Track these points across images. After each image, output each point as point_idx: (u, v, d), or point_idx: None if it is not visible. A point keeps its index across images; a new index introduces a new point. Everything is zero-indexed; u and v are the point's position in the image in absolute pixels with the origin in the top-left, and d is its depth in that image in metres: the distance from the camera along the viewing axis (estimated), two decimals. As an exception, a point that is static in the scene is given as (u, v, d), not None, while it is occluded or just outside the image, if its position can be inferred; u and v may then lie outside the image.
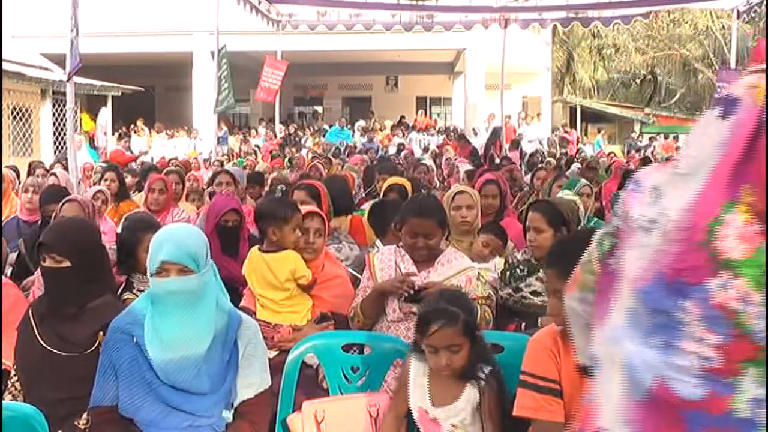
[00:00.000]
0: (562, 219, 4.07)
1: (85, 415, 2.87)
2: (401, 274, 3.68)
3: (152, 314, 2.79)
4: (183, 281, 2.74)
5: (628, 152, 22.75)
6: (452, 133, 22.24)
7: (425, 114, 27.75)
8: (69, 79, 7.89)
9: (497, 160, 12.43)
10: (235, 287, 4.32)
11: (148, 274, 2.82)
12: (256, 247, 4.35)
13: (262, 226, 4.22)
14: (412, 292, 3.55)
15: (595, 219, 6.72)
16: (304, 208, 4.30)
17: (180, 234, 2.87)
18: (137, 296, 3.46)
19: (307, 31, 17.05)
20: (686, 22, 32.68)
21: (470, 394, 2.84)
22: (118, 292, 3.73)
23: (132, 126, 23.46)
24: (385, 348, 3.13)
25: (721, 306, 1.39)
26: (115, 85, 21.79)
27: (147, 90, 25.38)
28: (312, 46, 21.48)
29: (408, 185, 6.47)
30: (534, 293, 3.99)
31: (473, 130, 21.66)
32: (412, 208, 3.91)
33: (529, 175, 10.00)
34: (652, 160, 16.14)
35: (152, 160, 16.73)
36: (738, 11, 15.58)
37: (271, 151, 17.09)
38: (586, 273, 1.86)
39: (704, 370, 1.41)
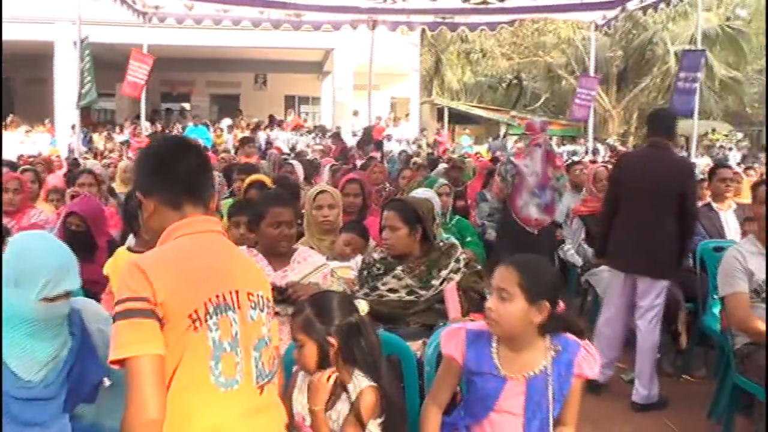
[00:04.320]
0: (416, 217, 4.10)
1: None
2: None
3: (25, 336, 2.55)
4: (69, 302, 2.64)
5: (492, 152, 23.39)
6: (320, 133, 22.27)
7: (294, 113, 27.61)
8: None
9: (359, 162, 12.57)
10: (94, 292, 4.18)
11: (32, 296, 2.52)
12: (124, 247, 4.26)
13: (135, 224, 4.14)
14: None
15: (458, 217, 6.91)
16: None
17: (71, 256, 2.66)
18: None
19: (174, 25, 16.74)
20: (550, 32, 33.89)
21: (342, 406, 2.82)
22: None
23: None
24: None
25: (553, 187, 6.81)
26: (-33, 76, 20.70)
27: (4, 81, 24.24)
28: (179, 40, 21.03)
29: (268, 181, 6.49)
30: (391, 290, 4.04)
31: (337, 128, 21.81)
32: (272, 199, 3.96)
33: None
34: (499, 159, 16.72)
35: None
36: (596, 24, 16.40)
37: (138, 149, 16.64)
38: (503, 184, 6.86)
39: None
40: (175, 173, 2.39)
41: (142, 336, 2.10)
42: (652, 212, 5.24)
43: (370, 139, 16.62)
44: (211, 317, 2.23)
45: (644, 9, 15.00)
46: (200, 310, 2.21)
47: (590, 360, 2.83)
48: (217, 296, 2.26)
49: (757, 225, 4.65)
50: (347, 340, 2.82)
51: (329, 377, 2.79)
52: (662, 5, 14.11)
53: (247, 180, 6.46)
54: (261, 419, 2.36)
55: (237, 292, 2.32)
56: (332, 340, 2.80)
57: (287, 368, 3.01)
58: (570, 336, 2.85)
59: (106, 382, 2.67)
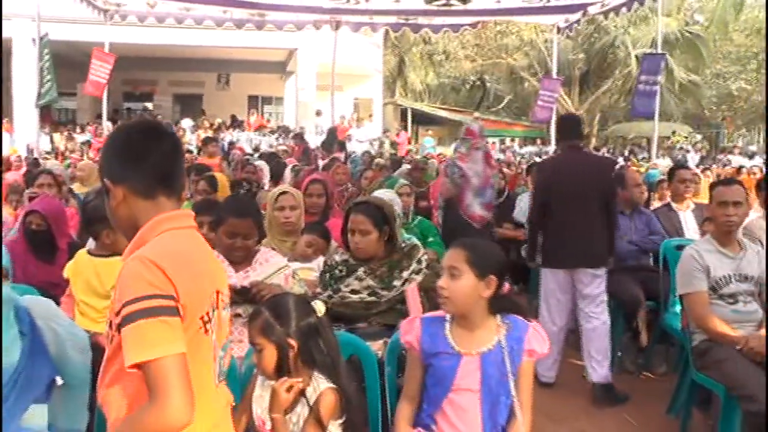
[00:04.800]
0: (384, 219, 4.12)
1: None
2: None
3: None
4: (6, 283, 2.56)
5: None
6: (283, 133, 22.20)
7: (257, 113, 27.47)
8: None
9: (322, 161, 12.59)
10: (53, 294, 4.10)
11: None
12: (85, 249, 4.20)
13: (95, 229, 4.07)
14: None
15: (420, 217, 6.93)
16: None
17: None
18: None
19: (136, 23, 16.60)
20: (512, 34, 34.09)
21: (301, 408, 2.80)
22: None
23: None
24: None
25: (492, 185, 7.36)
26: None
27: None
28: (141, 39, 20.84)
29: (221, 178, 6.49)
30: (353, 292, 4.04)
31: (301, 129, 21.79)
32: (231, 208, 3.92)
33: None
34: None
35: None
36: (558, 27, 16.56)
37: (99, 149, 16.42)
38: (451, 185, 7.07)
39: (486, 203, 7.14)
40: (148, 159, 2.17)
41: (175, 335, 1.96)
42: (583, 211, 5.64)
43: (334, 139, 16.63)
44: (212, 319, 2.17)
45: (605, 13, 15.19)
46: (209, 312, 2.15)
47: (539, 338, 2.98)
48: (210, 297, 2.19)
49: (713, 224, 4.75)
50: (306, 341, 2.80)
51: (290, 388, 2.76)
52: (623, 10, 14.30)
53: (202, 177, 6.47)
54: (227, 413, 2.36)
55: (218, 292, 2.24)
56: (292, 341, 2.78)
57: (248, 372, 3.00)
58: (518, 317, 3.01)
59: (59, 380, 2.63)
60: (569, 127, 6.18)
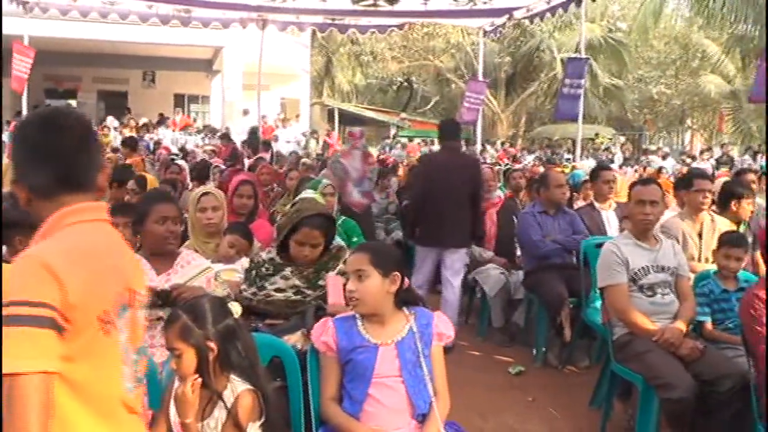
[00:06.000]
0: (332, 228, 4.19)
1: None
2: None
3: None
4: None
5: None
6: (209, 133, 21.96)
7: (183, 112, 27.07)
8: None
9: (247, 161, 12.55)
10: None
11: None
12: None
13: (6, 235, 3.96)
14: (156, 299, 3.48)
15: (344, 218, 6.95)
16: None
17: None
18: None
19: (58, 16, 16.13)
20: (439, 36, 34.27)
21: (219, 413, 2.77)
22: None
23: None
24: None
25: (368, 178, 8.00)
26: None
27: None
28: (64, 33, 20.31)
29: (152, 178, 6.39)
30: (278, 290, 4.02)
31: (227, 129, 21.61)
32: (154, 196, 3.90)
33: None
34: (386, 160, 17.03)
35: None
36: (484, 30, 16.73)
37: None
38: (335, 178, 7.50)
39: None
40: (48, 157, 1.96)
41: (39, 351, 1.71)
42: (456, 200, 6.72)
43: (256, 138, 16.51)
44: (114, 320, 1.95)
45: (531, 18, 15.38)
46: (109, 311, 1.92)
47: (444, 322, 3.34)
48: (120, 294, 1.99)
49: (631, 222, 4.91)
50: (224, 343, 2.77)
51: (192, 386, 2.72)
52: (548, 15, 14.48)
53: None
54: (137, 420, 2.18)
55: (130, 290, 2.06)
56: (212, 344, 2.74)
57: (168, 378, 2.95)
58: (422, 308, 3.36)
59: None
60: (450, 129, 7.28)
